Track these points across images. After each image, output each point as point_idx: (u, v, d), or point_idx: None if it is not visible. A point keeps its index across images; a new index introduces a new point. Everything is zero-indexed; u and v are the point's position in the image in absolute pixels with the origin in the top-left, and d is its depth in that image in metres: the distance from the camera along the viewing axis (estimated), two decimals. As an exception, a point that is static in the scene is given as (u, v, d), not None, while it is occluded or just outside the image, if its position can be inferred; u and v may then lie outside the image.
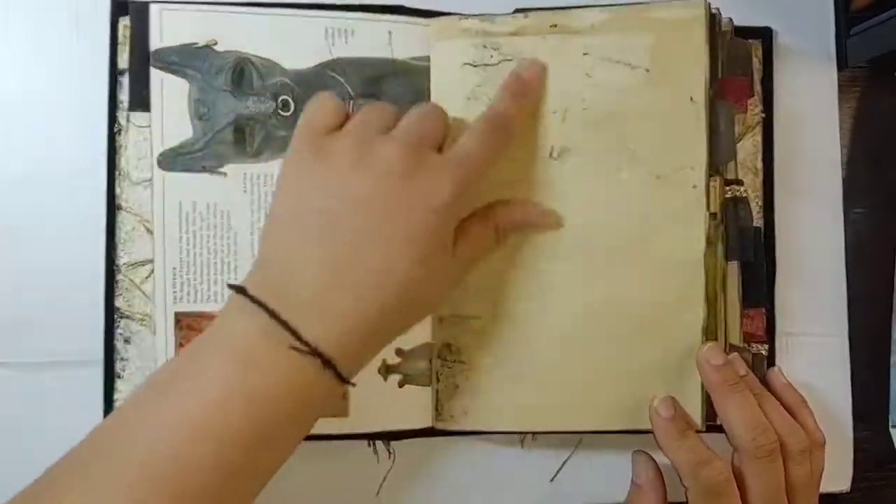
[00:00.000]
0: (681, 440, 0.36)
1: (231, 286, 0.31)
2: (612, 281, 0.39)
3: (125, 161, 0.39)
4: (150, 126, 0.39)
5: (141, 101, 0.39)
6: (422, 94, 0.40)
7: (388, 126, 0.34)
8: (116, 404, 0.38)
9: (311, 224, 0.32)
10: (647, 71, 0.38)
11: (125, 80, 0.39)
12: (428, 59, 0.40)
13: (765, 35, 0.44)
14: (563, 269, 0.39)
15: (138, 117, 0.39)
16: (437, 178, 0.33)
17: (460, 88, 0.39)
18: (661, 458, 0.38)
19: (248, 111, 0.39)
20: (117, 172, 0.39)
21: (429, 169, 0.33)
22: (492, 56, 0.39)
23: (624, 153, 0.38)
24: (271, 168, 0.39)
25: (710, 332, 0.38)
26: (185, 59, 0.39)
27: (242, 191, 0.39)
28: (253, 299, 0.30)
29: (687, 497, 0.36)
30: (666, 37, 0.38)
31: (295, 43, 0.40)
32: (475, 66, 0.39)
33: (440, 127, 0.35)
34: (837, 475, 0.43)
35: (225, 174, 0.39)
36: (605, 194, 0.38)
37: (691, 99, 0.38)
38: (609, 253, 0.39)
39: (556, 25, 0.39)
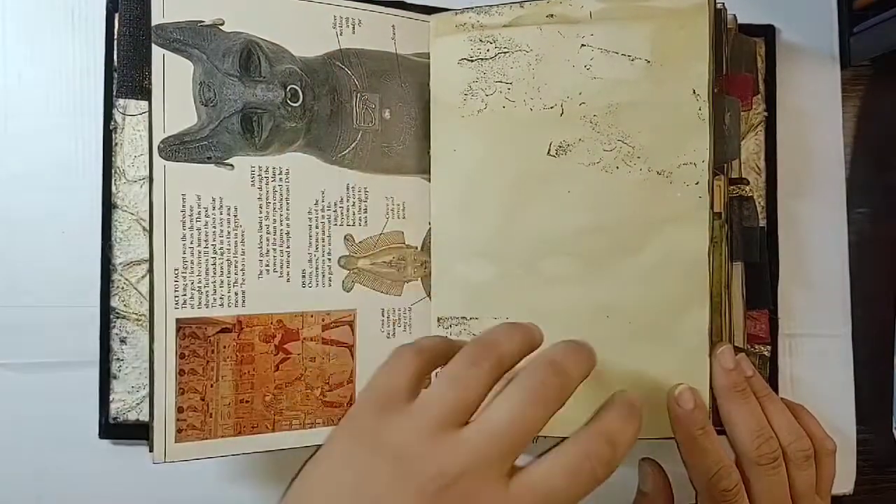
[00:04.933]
0: (704, 441, 0.35)
1: None
2: (612, 281, 0.38)
3: (121, 159, 0.38)
4: (147, 112, 0.35)
5: (137, 85, 0.37)
6: (424, 91, 0.40)
7: (465, 412, 0.28)
8: (112, 405, 0.38)
9: None
10: (648, 62, 0.37)
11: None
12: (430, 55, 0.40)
13: (768, 33, 0.44)
14: (563, 268, 0.38)
15: (133, 106, 0.37)
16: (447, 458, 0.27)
17: (456, 86, 0.39)
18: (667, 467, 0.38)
19: (256, 99, 0.37)
20: (113, 171, 0.38)
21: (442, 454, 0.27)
22: (488, 50, 0.39)
23: (624, 148, 0.37)
24: (279, 162, 0.37)
25: (716, 335, 0.37)
26: (189, 38, 0.36)
27: (250, 185, 0.37)
28: None
29: (696, 499, 0.36)
30: (667, 26, 0.37)
31: (303, 29, 0.38)
32: (472, 60, 0.39)
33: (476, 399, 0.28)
34: (840, 477, 0.42)
35: (232, 166, 0.36)
36: (606, 191, 0.38)
37: (694, 92, 0.37)
38: (609, 252, 0.38)
39: (552, 15, 0.38)
